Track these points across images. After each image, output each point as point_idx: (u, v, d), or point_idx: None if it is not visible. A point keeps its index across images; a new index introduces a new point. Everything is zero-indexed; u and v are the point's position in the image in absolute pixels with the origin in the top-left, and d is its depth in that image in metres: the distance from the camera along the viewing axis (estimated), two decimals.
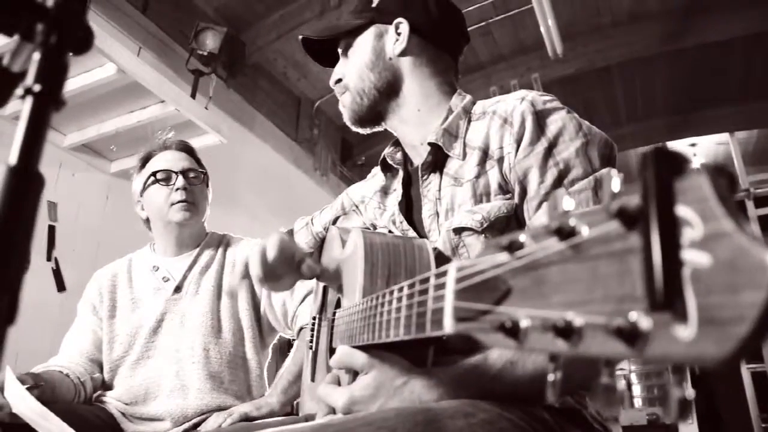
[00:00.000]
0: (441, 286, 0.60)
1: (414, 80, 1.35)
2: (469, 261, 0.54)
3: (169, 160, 2.10)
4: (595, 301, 0.38)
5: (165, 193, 2.05)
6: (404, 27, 1.33)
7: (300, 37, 1.49)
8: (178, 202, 2.03)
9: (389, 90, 1.35)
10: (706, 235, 0.31)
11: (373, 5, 1.39)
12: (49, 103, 0.53)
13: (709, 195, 0.32)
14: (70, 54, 0.56)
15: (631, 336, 0.34)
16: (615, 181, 0.38)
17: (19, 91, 0.53)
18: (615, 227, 0.37)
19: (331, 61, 1.48)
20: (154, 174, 2.06)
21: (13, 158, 0.49)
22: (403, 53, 1.34)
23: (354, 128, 1.44)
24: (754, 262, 0.29)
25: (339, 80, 1.42)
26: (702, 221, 0.32)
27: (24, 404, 1.46)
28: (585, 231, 0.40)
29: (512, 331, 0.44)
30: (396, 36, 1.34)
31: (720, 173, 0.32)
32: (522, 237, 0.46)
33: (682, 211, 0.33)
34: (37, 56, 0.53)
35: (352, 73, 1.38)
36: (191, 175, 2.10)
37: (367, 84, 1.36)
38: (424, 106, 1.34)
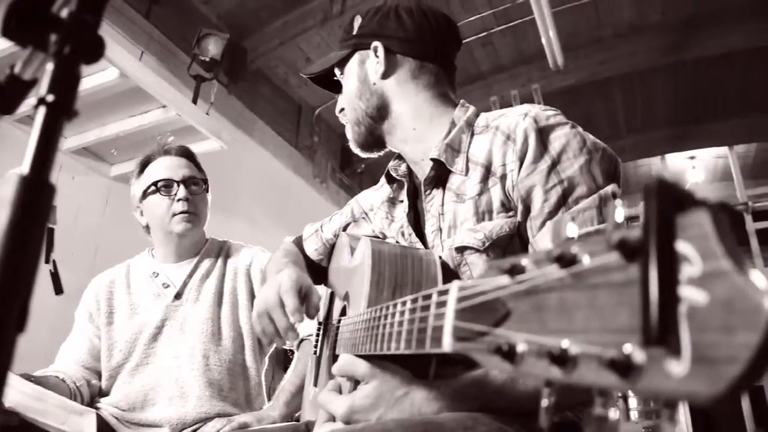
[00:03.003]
0: (442, 304, 0.60)
1: (402, 99, 1.35)
2: (471, 281, 0.55)
3: (170, 167, 2.07)
4: (592, 330, 0.38)
5: (167, 204, 2.03)
6: (380, 49, 1.34)
7: (303, 75, 1.54)
8: (180, 212, 2.01)
9: (380, 114, 1.36)
10: (705, 273, 0.31)
11: (354, 32, 1.40)
12: (61, 113, 0.53)
13: (710, 232, 0.32)
14: (82, 64, 0.57)
15: (624, 368, 0.35)
16: (619, 211, 0.39)
17: (33, 100, 0.53)
18: (615, 258, 0.37)
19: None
20: (155, 183, 2.04)
21: (25, 167, 0.49)
22: (385, 75, 1.34)
23: (363, 155, 1.46)
24: (751, 303, 0.29)
25: (342, 110, 1.45)
26: (701, 258, 0.32)
27: (14, 391, 1.45)
28: (586, 260, 0.40)
29: (509, 354, 0.44)
30: (376, 59, 1.35)
31: (722, 210, 0.32)
32: (524, 261, 0.46)
33: (682, 246, 0.33)
34: (50, 66, 0.54)
35: (346, 104, 1.41)
36: (193, 183, 2.07)
37: (359, 112, 1.38)
38: (419, 122, 1.34)
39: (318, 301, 1.30)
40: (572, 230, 0.44)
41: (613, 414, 0.38)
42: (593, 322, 0.38)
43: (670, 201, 0.34)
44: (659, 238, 0.33)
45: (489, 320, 0.49)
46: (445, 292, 0.61)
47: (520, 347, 0.44)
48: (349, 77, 1.40)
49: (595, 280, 0.39)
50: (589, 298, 0.39)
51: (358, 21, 1.41)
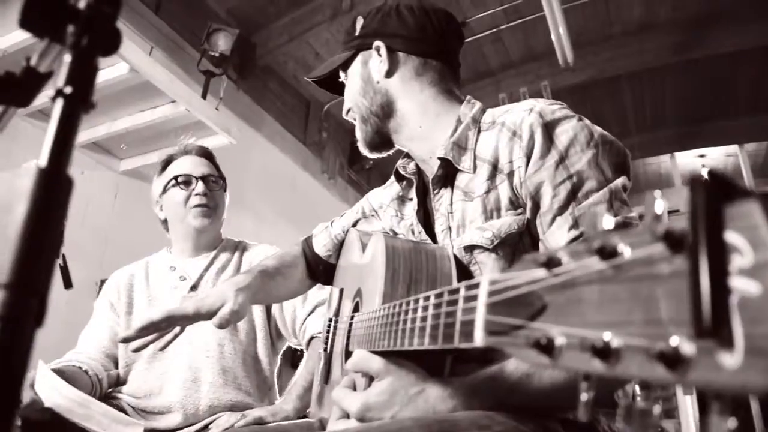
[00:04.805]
0: (472, 299, 0.59)
1: (407, 97, 1.34)
2: (503, 275, 0.54)
3: (190, 165, 2.15)
4: (636, 323, 0.38)
5: (184, 196, 2.10)
6: (383, 48, 1.34)
7: (307, 79, 1.55)
8: (197, 206, 2.09)
9: (386, 112, 1.36)
10: (757, 264, 0.31)
11: (357, 33, 1.40)
12: (79, 105, 0.52)
13: (761, 222, 0.31)
14: (99, 56, 0.56)
15: (672, 361, 0.34)
16: (659, 202, 0.38)
17: (50, 92, 0.53)
18: (660, 250, 0.37)
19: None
20: (175, 178, 2.11)
21: (43, 160, 0.49)
22: (388, 74, 1.34)
23: (370, 155, 1.46)
24: None
25: (348, 111, 1.45)
26: (752, 249, 0.31)
27: (59, 395, 1.47)
28: (627, 252, 0.39)
29: (547, 348, 0.44)
30: (379, 58, 1.35)
31: None
32: (560, 254, 0.46)
33: (732, 237, 0.32)
34: (67, 58, 0.53)
35: (352, 104, 1.41)
36: (211, 180, 2.15)
37: (364, 111, 1.38)
38: (425, 120, 1.33)
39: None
40: (609, 222, 0.43)
41: (657, 408, 0.37)
42: (636, 314, 0.38)
43: (717, 191, 0.33)
44: (708, 228, 0.33)
45: (524, 314, 0.48)
46: (474, 286, 0.60)
47: (559, 340, 0.43)
48: (353, 77, 1.41)
49: (638, 271, 0.38)
50: (632, 290, 0.39)
51: (360, 22, 1.41)
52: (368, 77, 1.37)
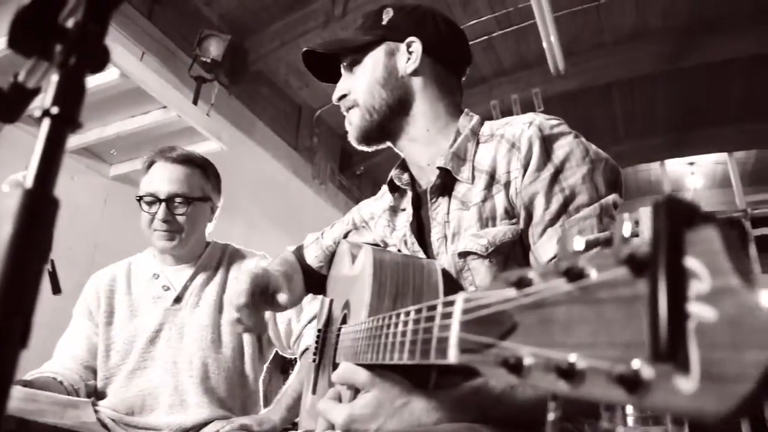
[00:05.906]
0: (448, 315, 0.60)
1: (424, 100, 1.35)
2: (477, 293, 0.55)
3: (159, 179, 2.00)
4: (599, 345, 0.38)
5: (148, 219, 1.98)
6: (417, 46, 1.33)
7: (304, 49, 1.45)
8: (157, 230, 1.98)
9: (400, 108, 1.35)
10: (714, 290, 0.31)
11: (384, 23, 1.38)
12: (65, 125, 0.52)
13: (719, 249, 0.32)
14: (87, 74, 0.56)
15: (632, 383, 0.35)
16: (626, 225, 0.39)
17: (37, 112, 0.52)
18: (623, 273, 0.37)
19: (330, 76, 1.48)
20: (141, 197, 2.00)
21: (29, 181, 0.48)
22: (415, 72, 1.34)
23: (359, 146, 1.42)
24: (760, 321, 0.29)
25: (343, 96, 1.41)
26: (710, 275, 0.32)
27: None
28: (593, 274, 0.40)
29: (515, 367, 0.44)
30: (408, 54, 1.34)
31: (732, 227, 0.32)
32: (531, 274, 0.46)
33: (691, 263, 0.33)
34: (54, 78, 0.53)
35: (362, 90, 1.37)
36: (177, 201, 1.99)
37: (378, 101, 1.35)
38: (433, 126, 1.34)
39: (286, 300, 1.34)
40: (579, 244, 0.44)
41: (620, 429, 0.38)
42: (601, 336, 0.38)
43: (679, 217, 0.34)
44: (668, 253, 0.33)
45: (495, 333, 0.49)
46: (450, 304, 0.60)
47: (527, 360, 0.44)
48: (374, 65, 1.37)
49: (602, 294, 0.39)
50: (597, 312, 0.39)
51: (389, 13, 1.39)
52: (392, 69, 1.35)
